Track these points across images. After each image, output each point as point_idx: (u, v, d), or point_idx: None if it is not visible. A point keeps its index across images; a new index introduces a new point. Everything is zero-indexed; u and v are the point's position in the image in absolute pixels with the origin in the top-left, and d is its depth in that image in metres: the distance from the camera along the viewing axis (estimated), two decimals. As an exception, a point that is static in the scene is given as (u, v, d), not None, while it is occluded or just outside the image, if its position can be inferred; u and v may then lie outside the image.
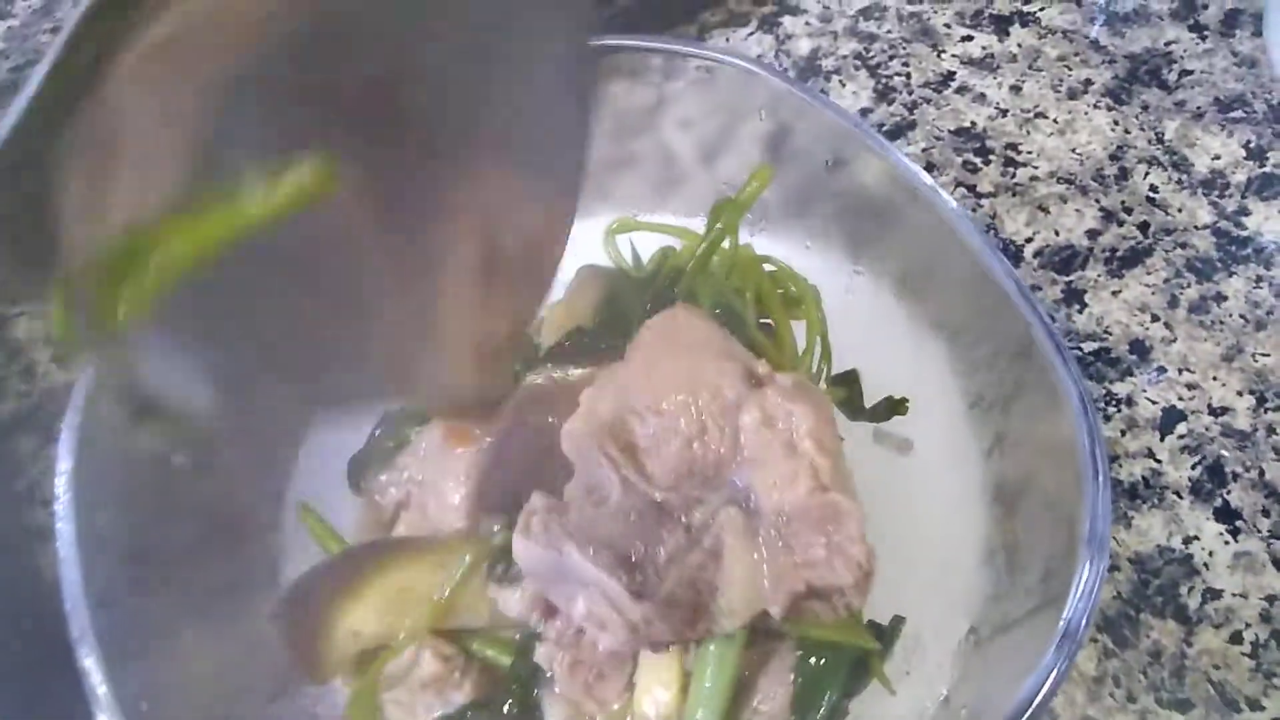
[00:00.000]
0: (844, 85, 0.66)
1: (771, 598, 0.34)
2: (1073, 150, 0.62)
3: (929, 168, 0.61)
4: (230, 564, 0.40)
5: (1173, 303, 0.55)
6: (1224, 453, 0.50)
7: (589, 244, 0.45)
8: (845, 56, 0.67)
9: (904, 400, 0.40)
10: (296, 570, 0.41)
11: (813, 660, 0.35)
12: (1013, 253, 0.58)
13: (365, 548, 0.39)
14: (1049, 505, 0.33)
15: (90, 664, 0.30)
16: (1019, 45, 0.67)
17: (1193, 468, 0.50)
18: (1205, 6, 0.68)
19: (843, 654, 0.35)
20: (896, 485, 0.39)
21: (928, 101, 0.65)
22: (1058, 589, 0.30)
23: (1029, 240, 0.58)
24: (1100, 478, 0.29)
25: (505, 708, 0.36)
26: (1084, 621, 0.28)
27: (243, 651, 0.38)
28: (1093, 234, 0.58)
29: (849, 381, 0.41)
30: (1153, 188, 0.60)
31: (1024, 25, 0.68)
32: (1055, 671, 0.28)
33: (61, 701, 0.43)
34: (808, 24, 0.69)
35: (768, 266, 0.41)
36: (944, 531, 0.36)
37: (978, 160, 0.62)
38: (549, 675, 0.37)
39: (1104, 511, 0.29)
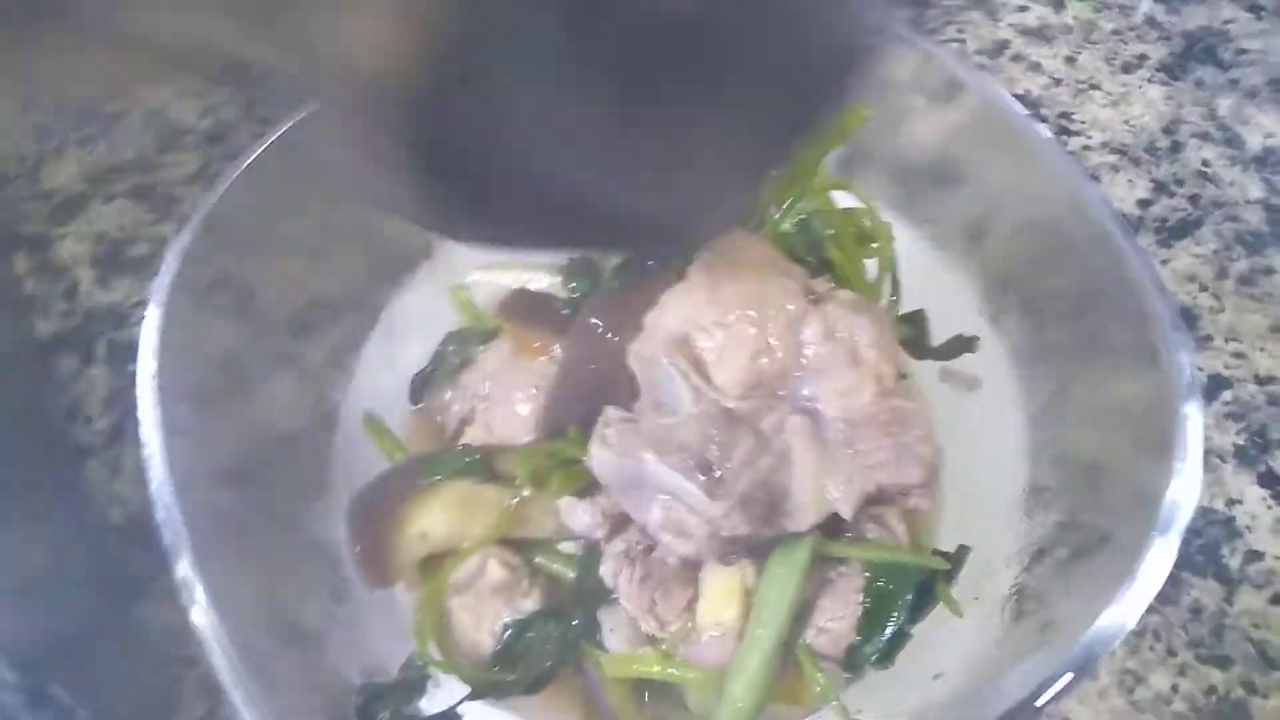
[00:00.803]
0: (899, 47, 0.66)
1: (841, 498, 0.35)
2: (1125, 122, 0.62)
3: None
4: (291, 468, 0.40)
5: (1221, 274, 0.56)
6: (1269, 421, 0.50)
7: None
8: (901, 20, 0.67)
9: (974, 338, 0.40)
10: (349, 482, 0.41)
11: (880, 582, 0.35)
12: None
13: (436, 453, 0.39)
14: (1132, 438, 0.33)
15: (187, 568, 0.30)
16: (1074, 18, 0.68)
17: (1237, 434, 0.50)
18: (1262, -12, 0.68)
19: (909, 576, 0.35)
20: (963, 422, 0.39)
21: (983, 68, 0.65)
22: (1139, 518, 0.30)
23: (1080, 207, 0.58)
24: (1196, 402, 0.29)
25: (574, 620, 0.36)
26: (1178, 541, 0.28)
27: (307, 553, 0.38)
28: (1144, 204, 0.58)
29: (917, 321, 0.42)
30: (1204, 162, 0.60)
31: (1080, -1, 0.69)
32: (1141, 594, 0.28)
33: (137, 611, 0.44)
34: (864, -15, 0.69)
35: (842, 202, 0.41)
36: (1013, 466, 0.37)
37: (1031, 126, 0.62)
38: (611, 592, 0.37)
39: (1199, 434, 0.29)
